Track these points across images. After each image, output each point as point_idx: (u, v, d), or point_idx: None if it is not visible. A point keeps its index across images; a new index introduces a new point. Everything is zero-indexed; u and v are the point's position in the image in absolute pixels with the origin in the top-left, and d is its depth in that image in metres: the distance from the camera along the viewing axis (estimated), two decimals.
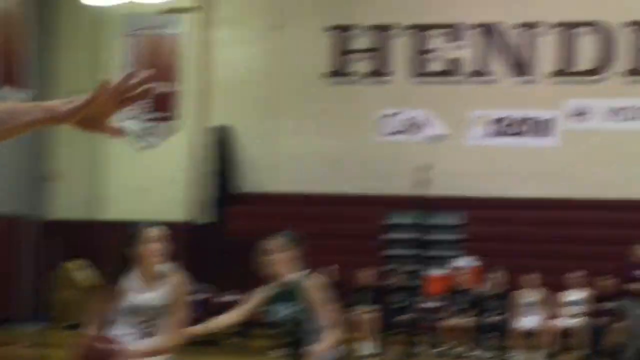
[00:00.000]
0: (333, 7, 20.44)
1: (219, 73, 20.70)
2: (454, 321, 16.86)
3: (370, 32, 20.31)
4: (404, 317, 17.11)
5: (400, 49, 20.15)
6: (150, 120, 20.79)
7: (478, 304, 16.89)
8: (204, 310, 14.27)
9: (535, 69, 19.75)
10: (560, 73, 19.66)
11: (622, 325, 15.98)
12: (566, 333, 16.46)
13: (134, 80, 2.68)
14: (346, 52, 20.41)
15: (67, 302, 18.90)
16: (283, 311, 7.25)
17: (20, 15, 19.92)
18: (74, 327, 16.11)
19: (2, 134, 2.70)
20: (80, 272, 19.60)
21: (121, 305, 6.85)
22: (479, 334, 16.74)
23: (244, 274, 9.92)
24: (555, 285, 16.95)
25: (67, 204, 20.74)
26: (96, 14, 20.78)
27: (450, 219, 19.26)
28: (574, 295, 16.72)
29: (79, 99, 2.69)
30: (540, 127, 19.61)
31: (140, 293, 6.87)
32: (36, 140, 20.06)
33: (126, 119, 19.45)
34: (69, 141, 20.20)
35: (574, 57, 19.69)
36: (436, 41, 20.07)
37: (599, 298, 16.49)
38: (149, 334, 6.90)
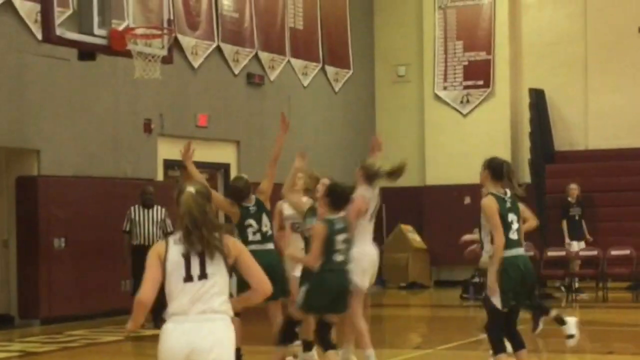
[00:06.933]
0: None
1: (529, 37, 22.91)
2: None
3: None
4: None
5: None
6: (466, 88, 23.03)
7: None
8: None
9: None
10: None
11: None
12: None
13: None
14: None
15: (400, 264, 21.54)
16: None
17: None
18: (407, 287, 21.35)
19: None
20: (413, 234, 22.27)
21: None
22: None
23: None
24: None
25: None
26: None
27: None
28: None
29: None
30: None
31: None
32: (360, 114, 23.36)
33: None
34: (390, 112, 23.56)
35: None
36: None
37: None
38: None
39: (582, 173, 21.04)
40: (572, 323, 11.66)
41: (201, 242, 5.56)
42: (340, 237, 9.29)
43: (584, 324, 16.48)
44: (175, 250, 5.58)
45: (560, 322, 11.67)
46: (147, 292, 5.55)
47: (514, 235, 8.70)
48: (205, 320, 5.52)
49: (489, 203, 8.64)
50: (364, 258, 10.36)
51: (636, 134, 21.80)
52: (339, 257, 9.28)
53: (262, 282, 5.72)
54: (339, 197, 9.37)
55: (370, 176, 10.50)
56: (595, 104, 22.38)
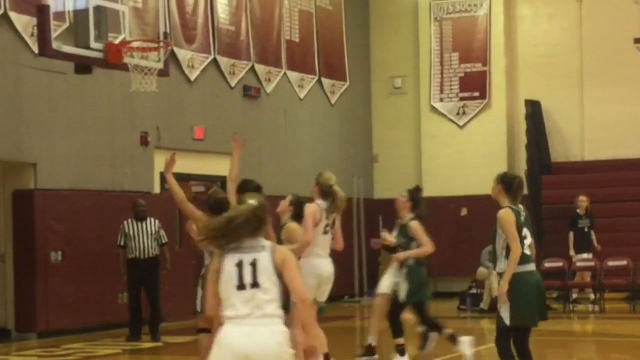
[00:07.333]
0: None
1: (524, 49, 23.02)
2: None
3: None
4: None
5: None
6: (462, 99, 23.07)
7: None
8: None
9: None
10: None
11: None
12: None
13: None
14: None
15: None
16: None
17: (339, 11, 22.69)
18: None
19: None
20: None
21: None
22: None
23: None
24: None
25: (390, 182, 23.09)
26: (407, 2, 23.60)
27: None
28: None
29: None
30: None
31: None
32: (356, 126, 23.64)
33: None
34: (386, 124, 23.74)
35: None
36: None
37: None
38: None
39: (578, 184, 21.06)
40: (465, 342, 11.78)
41: (245, 250, 5.80)
42: None
43: (582, 334, 16.52)
44: (229, 259, 5.80)
45: (453, 340, 11.76)
46: (210, 307, 5.94)
47: (527, 250, 8.66)
48: (261, 325, 5.72)
49: (506, 214, 8.65)
50: (309, 272, 10.52)
51: (632, 145, 21.85)
52: None
53: (299, 291, 5.85)
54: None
55: (324, 192, 10.89)
56: (591, 115, 22.42)
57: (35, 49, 14.41)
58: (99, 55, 13.38)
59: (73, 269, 16.19)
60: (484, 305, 18.24)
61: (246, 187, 10.12)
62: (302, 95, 21.67)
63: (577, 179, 21.63)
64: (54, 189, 16.11)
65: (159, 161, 17.84)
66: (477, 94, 22.99)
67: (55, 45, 12.92)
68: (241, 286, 5.77)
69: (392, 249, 12.50)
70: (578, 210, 19.46)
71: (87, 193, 16.58)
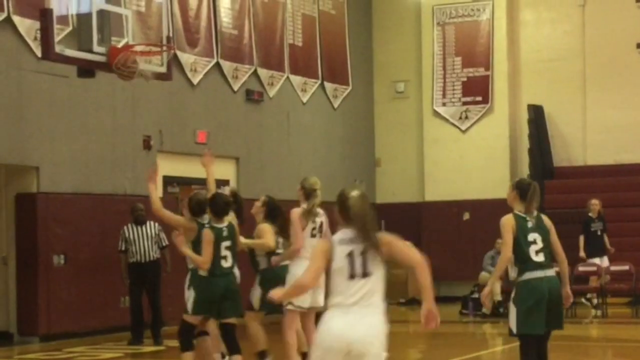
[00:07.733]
0: None
1: (527, 54, 23.06)
2: None
3: None
4: None
5: None
6: (465, 104, 23.13)
7: None
8: None
9: None
10: None
11: None
12: None
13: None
14: None
15: (399, 280, 21.16)
16: None
17: (342, 15, 22.76)
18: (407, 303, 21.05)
19: None
20: None
21: None
22: None
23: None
24: None
25: (393, 187, 23.65)
26: (410, 7, 23.57)
27: None
28: None
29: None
30: None
31: None
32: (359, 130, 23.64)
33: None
34: (389, 128, 23.83)
35: None
36: None
37: None
38: None
39: (580, 189, 21.04)
40: None
41: (367, 242, 5.99)
42: (224, 244, 10.00)
43: (585, 339, 16.50)
44: (340, 250, 5.98)
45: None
46: (311, 278, 6.02)
47: (537, 257, 8.51)
48: (365, 315, 5.93)
49: (505, 219, 8.62)
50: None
51: (634, 150, 21.85)
52: (224, 263, 9.98)
53: (415, 258, 6.17)
54: (219, 206, 10.11)
55: (308, 194, 11.05)
56: (593, 120, 22.42)
57: (38, 53, 14.40)
58: (102, 59, 13.36)
59: (75, 273, 16.19)
60: (485, 310, 18.22)
61: (217, 201, 10.24)
62: (304, 100, 21.67)
63: (579, 184, 21.62)
64: (57, 193, 16.10)
65: (162, 165, 17.81)
66: (479, 98, 22.98)
67: (58, 49, 12.89)
68: (352, 276, 5.97)
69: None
70: (590, 214, 19.29)
71: (89, 197, 16.58)
